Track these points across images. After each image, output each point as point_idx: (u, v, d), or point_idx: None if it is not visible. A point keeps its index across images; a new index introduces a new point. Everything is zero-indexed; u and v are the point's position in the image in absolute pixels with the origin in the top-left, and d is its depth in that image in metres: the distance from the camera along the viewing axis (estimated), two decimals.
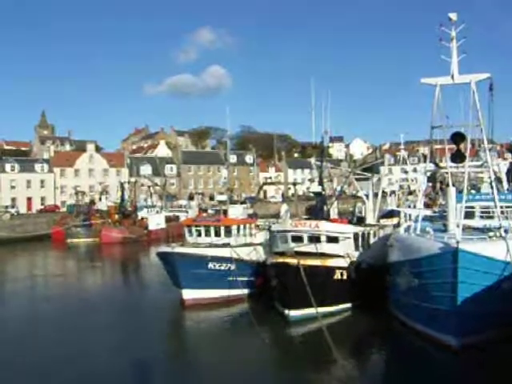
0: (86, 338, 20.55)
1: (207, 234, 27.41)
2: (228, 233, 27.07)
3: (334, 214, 30.24)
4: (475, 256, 16.68)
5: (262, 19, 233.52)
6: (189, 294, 24.89)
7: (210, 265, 24.99)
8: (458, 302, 16.86)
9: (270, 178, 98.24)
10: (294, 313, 21.52)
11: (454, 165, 21.38)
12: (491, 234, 18.81)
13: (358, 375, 16.02)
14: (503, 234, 18.40)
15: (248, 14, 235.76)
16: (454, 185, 22.72)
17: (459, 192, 21.97)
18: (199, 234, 27.64)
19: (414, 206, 28.69)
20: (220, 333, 21.67)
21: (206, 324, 23.00)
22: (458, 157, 21.11)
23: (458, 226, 17.99)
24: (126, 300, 29.28)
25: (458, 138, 20.89)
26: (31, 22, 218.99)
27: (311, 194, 29.25)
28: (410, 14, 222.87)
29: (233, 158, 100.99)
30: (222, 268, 25.16)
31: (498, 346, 16.77)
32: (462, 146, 21.51)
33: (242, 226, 27.91)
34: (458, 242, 16.59)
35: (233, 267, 24.96)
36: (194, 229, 27.98)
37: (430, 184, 48.76)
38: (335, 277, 22.21)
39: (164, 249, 25.82)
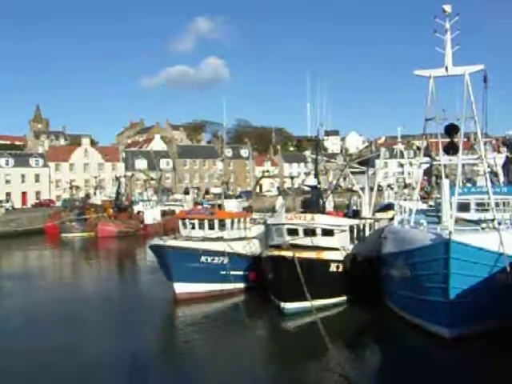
0: (74, 332, 20.40)
1: (201, 227, 27.24)
2: (222, 226, 26.90)
3: (329, 207, 30.24)
4: (467, 247, 16.68)
5: (260, 10, 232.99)
6: (181, 288, 24.75)
7: (203, 258, 24.87)
8: (450, 293, 16.87)
9: (267, 171, 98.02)
10: (289, 306, 21.50)
11: (447, 157, 21.31)
12: (484, 225, 18.79)
13: (353, 368, 15.98)
14: (496, 226, 18.37)
15: (247, 4, 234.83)
16: (448, 177, 22.64)
17: (454, 185, 21.91)
18: (193, 227, 27.48)
19: (410, 199, 28.62)
20: (213, 326, 21.55)
21: (198, 318, 22.88)
22: (451, 148, 21.05)
23: (450, 218, 17.94)
24: (119, 294, 29.19)
25: (451, 129, 20.82)
26: (27, 17, 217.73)
27: (306, 188, 29.12)
28: (407, 7, 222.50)
29: (228, 152, 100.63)
30: (215, 262, 25.06)
31: (491, 337, 16.77)
32: (455, 138, 21.43)
33: (236, 220, 27.74)
34: (450, 233, 16.57)
35: (226, 261, 24.88)
36: (187, 222, 27.83)
37: (426, 177, 48.69)
38: (330, 270, 22.20)
39: (156, 242, 25.66)
